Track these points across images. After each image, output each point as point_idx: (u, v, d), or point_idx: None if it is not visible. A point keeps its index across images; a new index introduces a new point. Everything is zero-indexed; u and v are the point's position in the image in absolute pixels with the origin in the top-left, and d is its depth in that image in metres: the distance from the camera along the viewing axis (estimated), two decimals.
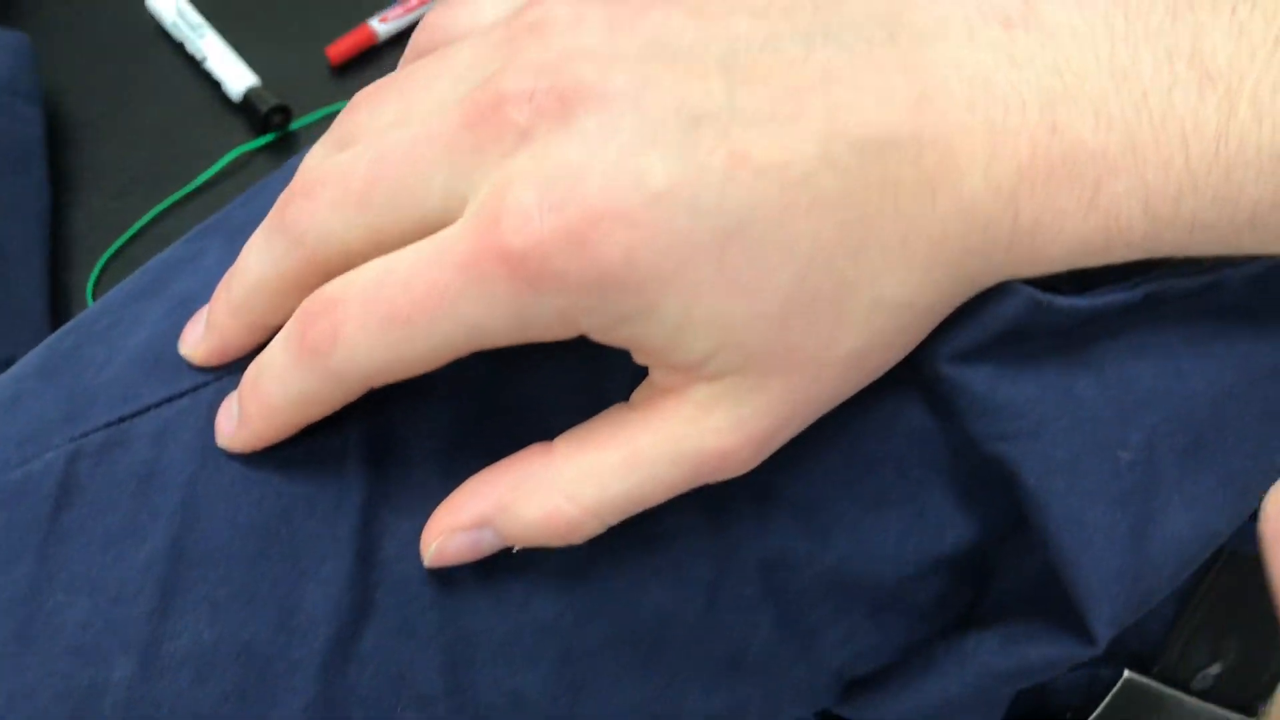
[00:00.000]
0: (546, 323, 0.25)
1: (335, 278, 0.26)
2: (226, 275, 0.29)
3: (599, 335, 0.25)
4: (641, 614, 0.29)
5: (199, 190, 0.65)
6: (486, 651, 0.29)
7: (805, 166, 0.24)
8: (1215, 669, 0.36)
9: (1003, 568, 0.31)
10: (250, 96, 0.66)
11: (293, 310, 0.27)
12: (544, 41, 0.25)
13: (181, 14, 0.68)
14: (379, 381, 0.26)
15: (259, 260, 0.27)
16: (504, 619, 0.28)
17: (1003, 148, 0.25)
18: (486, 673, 0.29)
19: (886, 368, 0.27)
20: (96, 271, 0.62)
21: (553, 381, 0.29)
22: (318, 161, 0.28)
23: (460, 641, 0.28)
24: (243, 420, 0.28)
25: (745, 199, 0.24)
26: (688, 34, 0.25)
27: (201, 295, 0.31)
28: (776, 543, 0.29)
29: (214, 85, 0.68)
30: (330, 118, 0.66)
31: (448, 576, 0.28)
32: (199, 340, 0.29)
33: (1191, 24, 0.25)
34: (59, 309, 0.61)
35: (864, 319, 0.25)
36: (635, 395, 0.27)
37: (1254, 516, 0.32)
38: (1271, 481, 0.29)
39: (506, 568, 0.28)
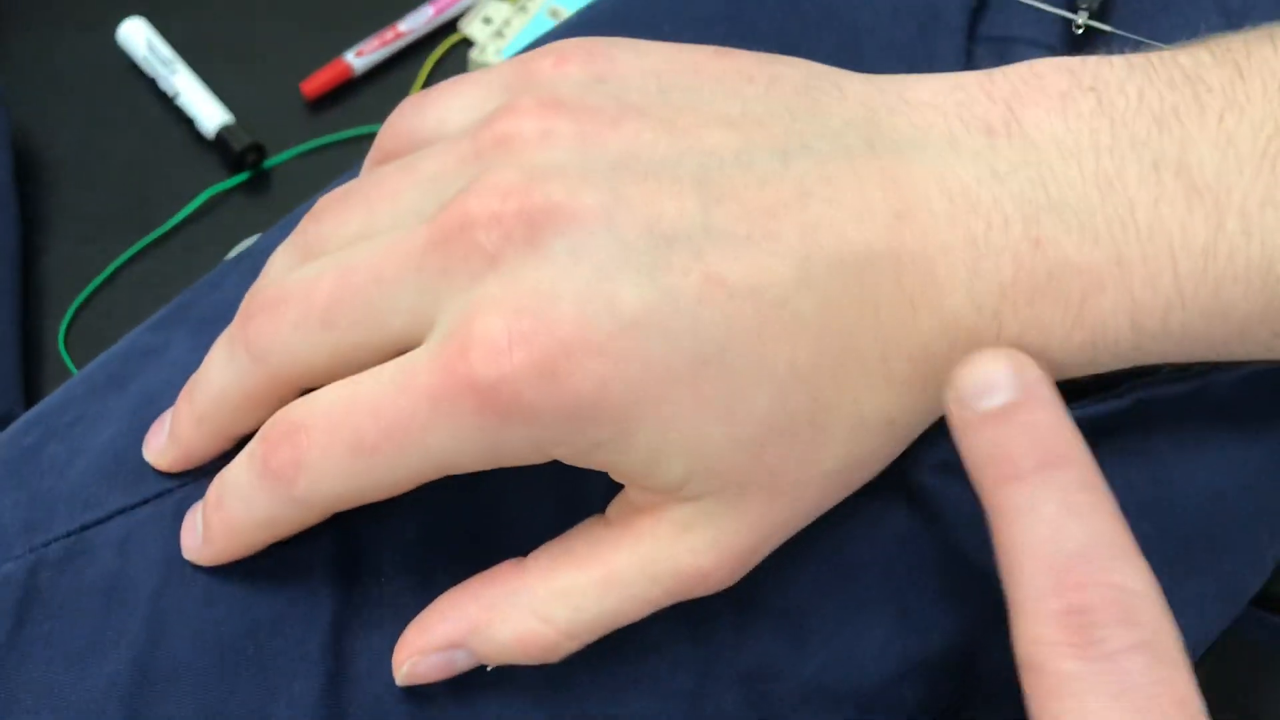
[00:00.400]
0: (517, 452, 0.24)
1: (299, 395, 0.25)
2: (189, 382, 0.28)
3: (572, 461, 0.24)
4: None
5: (171, 232, 0.63)
6: None
7: (782, 288, 0.23)
8: None
9: (987, 663, 0.31)
10: (223, 134, 0.65)
11: (256, 422, 0.27)
12: (512, 158, 0.24)
13: (152, 49, 0.67)
14: (344, 506, 0.25)
15: (221, 373, 0.26)
16: None
17: (985, 265, 0.24)
18: None
19: (868, 480, 0.26)
20: (68, 318, 0.61)
21: (524, 491, 0.28)
22: (281, 272, 0.27)
23: None
24: (207, 538, 0.27)
25: (720, 323, 0.23)
26: (660, 147, 0.24)
27: (165, 394, 0.30)
28: (758, 651, 0.29)
29: (186, 122, 0.66)
30: (306, 155, 0.65)
31: (421, 693, 0.28)
32: (162, 448, 0.28)
33: (1178, 134, 0.24)
34: (30, 356, 0.60)
35: (844, 438, 0.25)
36: (611, 510, 0.26)
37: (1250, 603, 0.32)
38: (1261, 579, 0.29)
39: (481, 682, 0.28)
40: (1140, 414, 0.27)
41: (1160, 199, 0.24)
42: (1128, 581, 0.22)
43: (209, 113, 0.65)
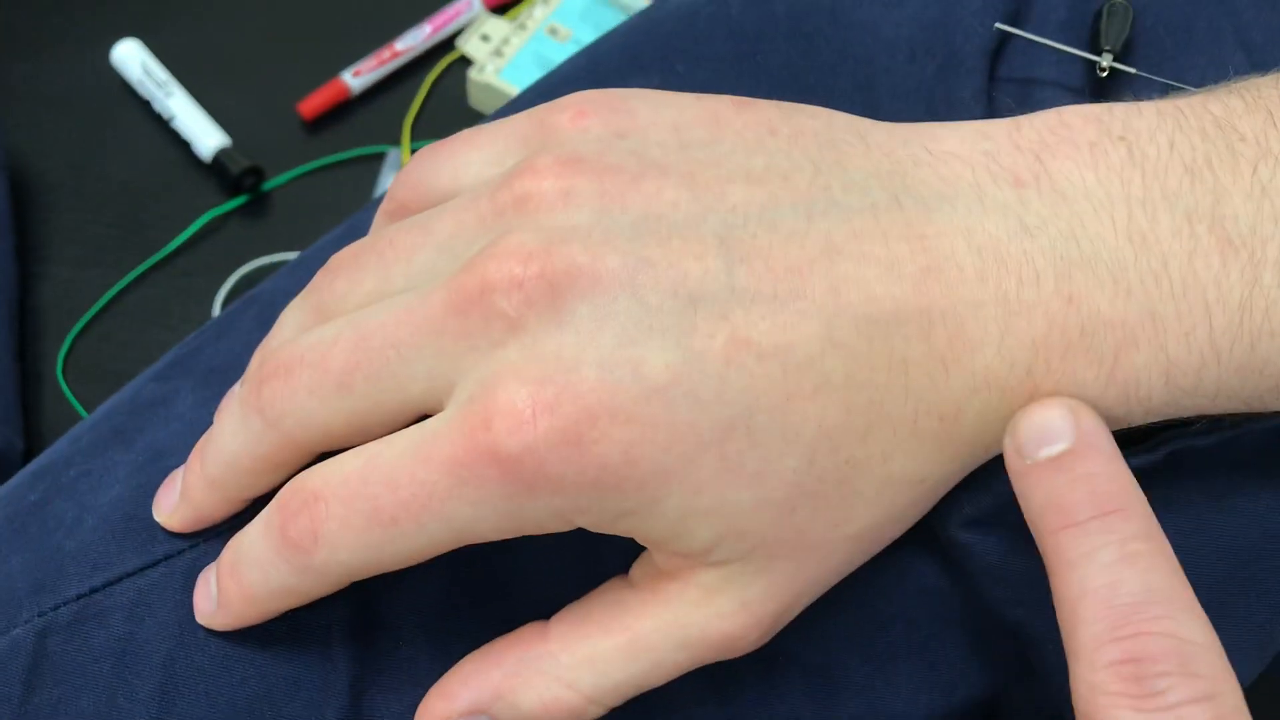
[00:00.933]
0: (540, 521, 0.23)
1: (315, 462, 0.25)
2: (201, 443, 0.27)
3: (597, 529, 0.24)
4: None
5: (169, 257, 0.63)
6: None
7: (809, 349, 0.23)
8: None
9: (1011, 712, 0.30)
10: (220, 157, 0.64)
11: (271, 485, 0.26)
12: (532, 219, 0.24)
13: (148, 71, 0.67)
14: (363, 576, 0.25)
15: (234, 437, 0.26)
16: None
17: (1017, 322, 0.23)
18: None
19: (896, 537, 0.26)
20: (66, 345, 0.60)
21: (545, 551, 0.28)
22: (294, 332, 0.26)
23: None
24: (223, 604, 0.26)
25: (747, 386, 0.23)
26: (682, 206, 0.24)
27: (172, 449, 0.30)
28: (784, 709, 0.28)
29: (183, 145, 0.66)
30: (304, 177, 0.65)
31: None
32: (173, 509, 0.28)
33: (1211, 185, 0.24)
34: (29, 384, 0.60)
35: (874, 498, 0.24)
36: (635, 572, 0.26)
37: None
38: None
39: None
40: (1172, 466, 0.26)
41: (1194, 253, 0.23)
42: (1187, 632, 0.21)
43: (206, 135, 0.65)
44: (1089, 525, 0.22)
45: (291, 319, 0.27)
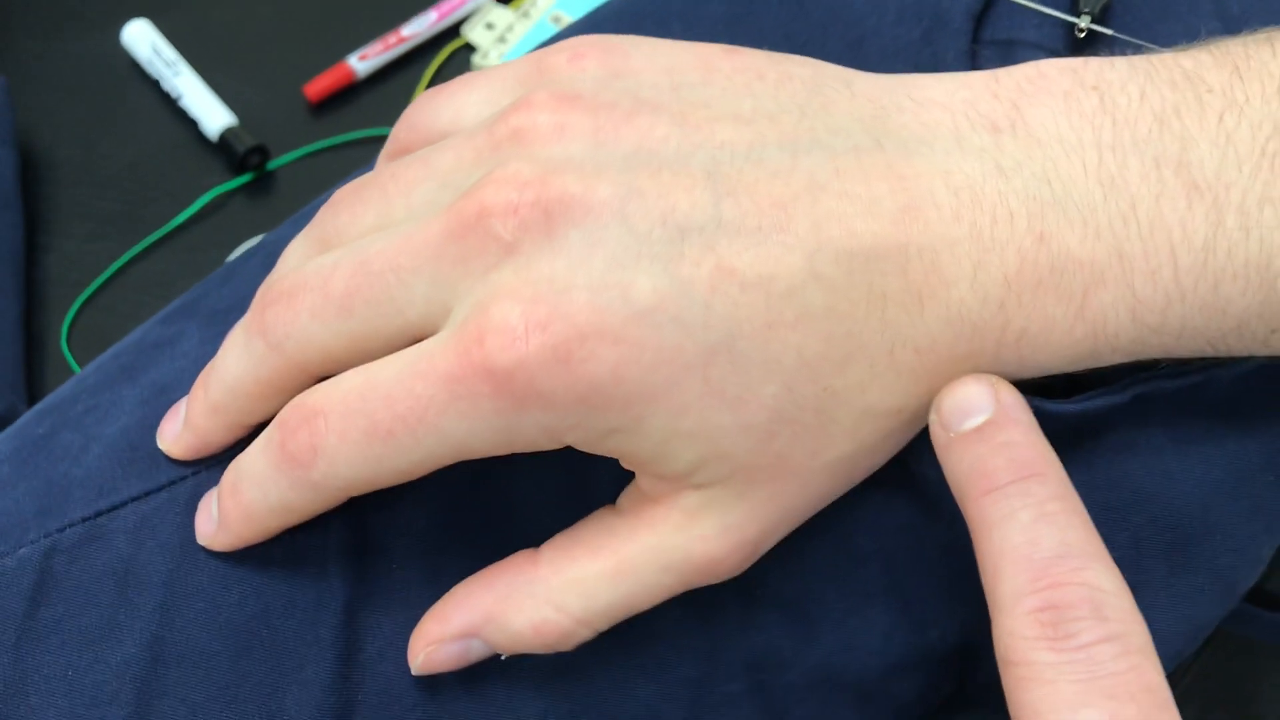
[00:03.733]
0: (531, 437, 0.24)
1: (316, 382, 0.26)
2: (204, 371, 0.28)
3: (585, 447, 0.25)
4: (627, 712, 0.29)
5: (174, 232, 0.64)
6: None
7: (791, 280, 0.24)
8: None
9: (985, 659, 0.31)
10: (227, 136, 0.65)
11: (272, 411, 0.27)
12: (528, 150, 0.25)
13: (157, 51, 0.68)
14: (359, 491, 0.26)
15: (238, 361, 0.27)
16: None
17: (990, 258, 0.24)
18: None
19: (875, 469, 0.27)
20: (70, 316, 0.61)
21: (534, 478, 0.29)
22: (298, 262, 0.27)
23: None
24: (222, 523, 0.27)
25: (731, 313, 0.24)
26: (672, 142, 0.25)
27: (177, 384, 0.31)
28: (762, 640, 0.29)
29: (190, 124, 0.67)
30: (308, 157, 0.66)
31: (431, 678, 0.28)
32: (177, 436, 0.29)
33: (1179, 132, 0.25)
34: (33, 354, 0.61)
35: (851, 427, 0.25)
36: (622, 500, 0.27)
37: (1244, 599, 0.32)
38: (1256, 574, 0.29)
39: (489, 669, 0.28)
40: (1139, 409, 0.27)
41: (1161, 195, 0.24)
42: (1098, 581, 0.23)
43: (212, 115, 0.66)
44: (1008, 489, 0.24)
45: (296, 251, 0.28)
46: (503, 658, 0.27)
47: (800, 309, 0.24)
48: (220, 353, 0.28)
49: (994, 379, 0.25)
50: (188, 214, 0.64)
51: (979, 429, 0.25)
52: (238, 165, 0.65)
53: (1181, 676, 0.35)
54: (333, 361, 0.26)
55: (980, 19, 0.31)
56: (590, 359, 0.23)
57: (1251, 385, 0.28)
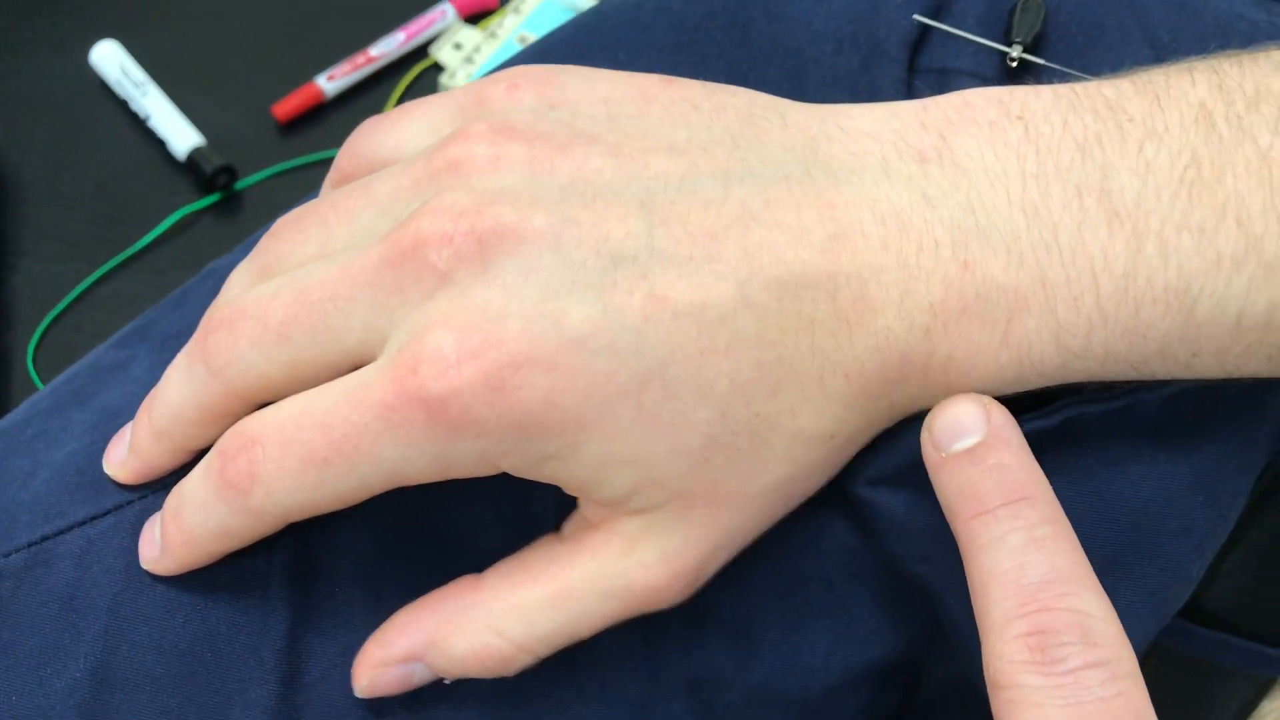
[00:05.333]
0: (466, 464, 0.25)
1: (256, 409, 0.26)
2: (149, 397, 0.29)
3: (521, 473, 0.25)
4: None
5: (141, 253, 0.64)
6: None
7: (723, 308, 0.24)
8: None
9: (928, 675, 0.32)
10: (195, 156, 0.66)
11: (214, 436, 0.27)
12: (464, 181, 0.25)
13: (125, 72, 0.68)
14: (298, 517, 0.26)
15: (180, 388, 0.27)
16: None
17: (916, 286, 0.25)
18: None
19: (811, 493, 0.27)
20: (36, 337, 0.61)
21: (478, 503, 0.29)
22: (240, 290, 0.28)
23: None
24: (165, 548, 0.28)
25: (664, 341, 0.24)
26: (607, 173, 0.25)
27: (127, 409, 0.31)
28: (704, 660, 0.29)
29: (158, 144, 0.67)
30: (276, 177, 0.66)
31: (374, 701, 0.28)
32: (122, 461, 0.29)
33: (1100, 161, 0.25)
34: (0, 376, 0.61)
35: (785, 452, 0.26)
36: (565, 527, 0.27)
37: (1184, 616, 0.33)
38: (1187, 593, 0.30)
39: (432, 691, 0.28)
40: (1069, 432, 0.28)
41: (1083, 223, 0.25)
42: (1087, 606, 0.23)
43: (181, 135, 0.66)
44: (999, 512, 0.24)
45: (238, 279, 0.28)
46: (446, 682, 0.28)
47: (732, 336, 0.24)
48: (164, 379, 0.28)
49: (986, 399, 0.25)
50: (155, 234, 0.64)
51: (970, 450, 0.25)
52: (205, 185, 0.66)
53: None
54: (272, 389, 0.26)
55: (916, 48, 0.31)
56: (523, 386, 0.24)
57: (1179, 408, 0.28)
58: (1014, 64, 0.30)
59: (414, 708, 0.28)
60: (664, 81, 0.27)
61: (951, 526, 0.25)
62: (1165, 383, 0.28)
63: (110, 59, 0.69)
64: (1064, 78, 0.29)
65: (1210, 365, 0.26)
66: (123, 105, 0.68)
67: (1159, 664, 0.35)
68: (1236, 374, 0.27)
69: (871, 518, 0.28)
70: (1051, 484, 0.28)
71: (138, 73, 0.68)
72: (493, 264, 0.24)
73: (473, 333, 0.24)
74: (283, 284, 0.26)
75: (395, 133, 0.28)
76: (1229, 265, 0.25)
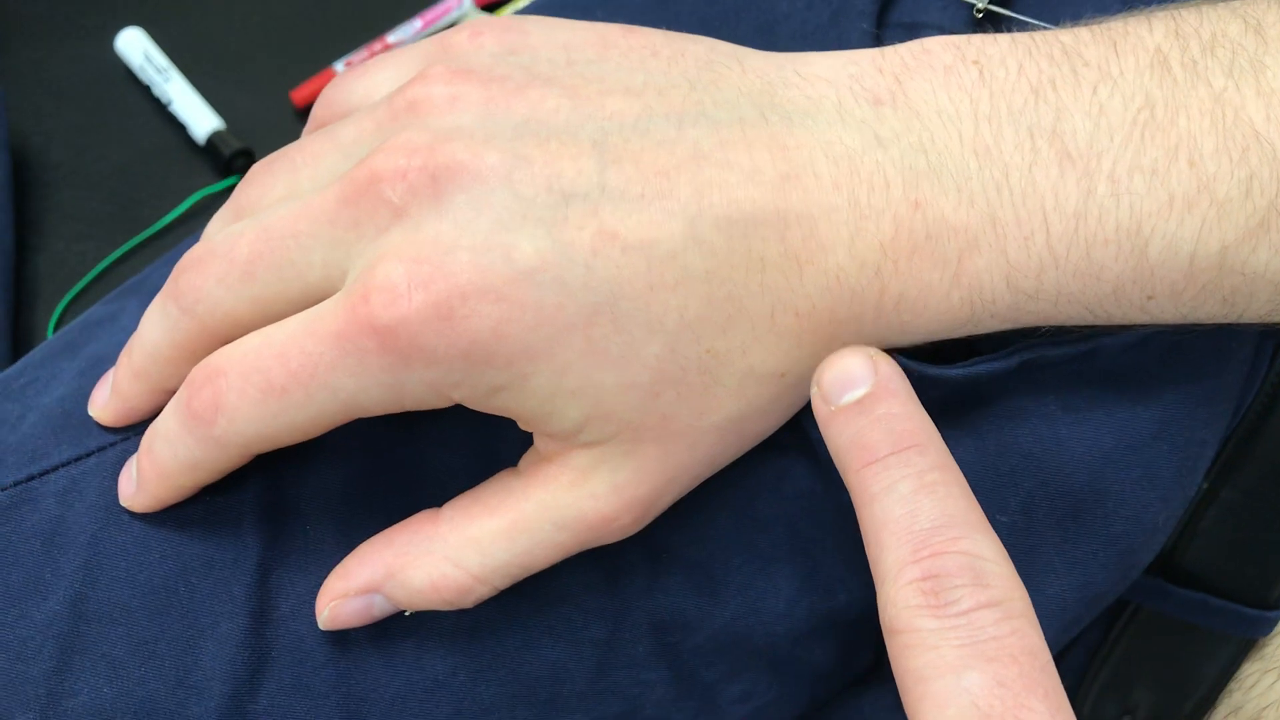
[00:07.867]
0: (419, 394, 0.25)
1: (224, 345, 0.27)
2: (129, 341, 0.29)
3: (473, 404, 0.26)
4: (535, 672, 0.30)
5: (160, 233, 0.65)
6: (379, 709, 0.29)
7: (672, 244, 0.25)
8: None
9: None
10: (214, 140, 0.67)
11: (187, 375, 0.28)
12: (421, 120, 0.26)
13: (148, 58, 0.70)
14: (261, 448, 0.27)
15: (154, 327, 0.28)
16: (396, 677, 0.29)
17: (867, 225, 0.25)
18: None
19: (768, 433, 0.28)
20: (57, 315, 0.63)
21: (444, 442, 0.30)
22: (215, 233, 0.28)
23: (354, 699, 0.29)
24: (140, 483, 0.28)
25: (613, 275, 0.25)
26: (562, 113, 0.26)
27: (112, 356, 0.32)
28: (668, 602, 0.30)
29: (179, 128, 0.69)
30: None
31: (341, 635, 0.29)
32: (105, 402, 0.30)
33: (1054, 103, 0.26)
34: (20, 350, 0.62)
35: (736, 389, 0.26)
36: (521, 462, 0.28)
37: (1148, 571, 0.33)
38: (1156, 543, 0.30)
39: (399, 627, 0.29)
40: (1029, 376, 0.28)
41: (1034, 164, 0.25)
42: (978, 549, 0.23)
43: (201, 119, 0.68)
44: (888, 460, 0.24)
45: (214, 224, 0.29)
46: (406, 614, 0.28)
47: (681, 272, 0.25)
48: (142, 321, 0.29)
49: (873, 351, 0.26)
50: (174, 215, 0.65)
51: (859, 401, 0.25)
52: (224, 168, 0.67)
53: (1108, 654, 0.35)
54: (241, 325, 0.27)
55: (886, 3, 0.32)
56: (472, 316, 0.24)
57: (1142, 355, 0.28)
58: (979, 15, 0.30)
59: (380, 643, 0.29)
60: (625, 30, 0.28)
61: (844, 478, 0.25)
62: (1126, 328, 0.28)
63: (134, 45, 0.70)
64: (1030, 30, 0.30)
65: (1166, 308, 0.26)
66: (145, 90, 0.70)
67: (1138, 627, 0.35)
68: (1193, 318, 0.27)
69: (829, 460, 0.28)
70: (1011, 429, 0.28)
71: (161, 59, 0.70)
72: (445, 199, 0.25)
73: (423, 264, 0.24)
74: (249, 224, 0.27)
75: (365, 81, 0.29)
76: (1181, 206, 0.25)
